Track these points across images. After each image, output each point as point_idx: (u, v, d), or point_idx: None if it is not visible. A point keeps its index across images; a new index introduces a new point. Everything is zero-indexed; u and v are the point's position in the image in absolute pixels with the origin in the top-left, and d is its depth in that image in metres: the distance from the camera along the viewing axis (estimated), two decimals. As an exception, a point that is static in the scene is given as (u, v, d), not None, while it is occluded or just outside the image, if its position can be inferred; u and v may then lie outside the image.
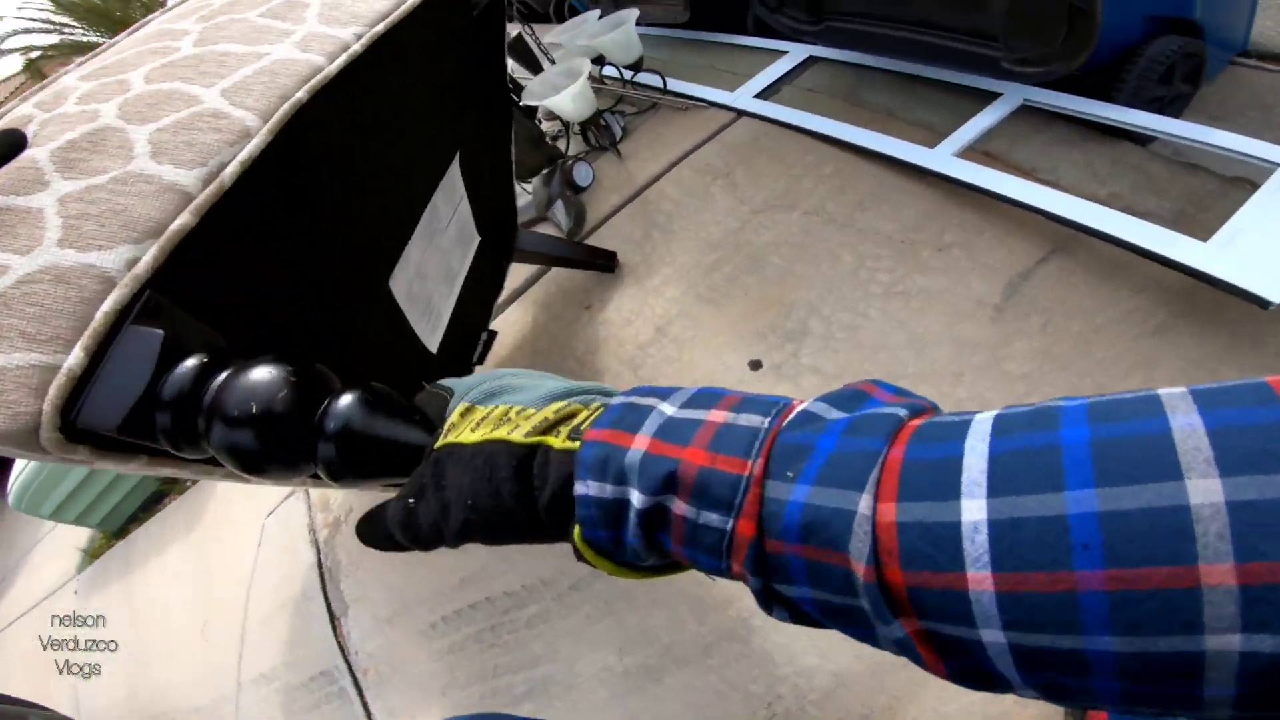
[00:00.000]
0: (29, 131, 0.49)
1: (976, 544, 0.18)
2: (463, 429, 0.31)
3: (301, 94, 0.57)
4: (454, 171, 0.97)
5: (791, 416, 0.25)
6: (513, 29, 1.72)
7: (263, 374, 0.36)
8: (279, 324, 0.64)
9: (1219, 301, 0.85)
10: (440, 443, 0.31)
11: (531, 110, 1.66)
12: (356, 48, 0.62)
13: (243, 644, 1.48)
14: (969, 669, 0.20)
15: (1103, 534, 0.17)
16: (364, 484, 0.38)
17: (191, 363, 0.38)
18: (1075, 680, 0.18)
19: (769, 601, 0.24)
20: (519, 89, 1.58)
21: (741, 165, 1.42)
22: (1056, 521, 0.17)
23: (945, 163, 1.12)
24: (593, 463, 0.26)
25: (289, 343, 0.66)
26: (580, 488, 0.26)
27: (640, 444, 0.26)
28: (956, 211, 1.12)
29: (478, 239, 1.14)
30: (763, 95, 1.48)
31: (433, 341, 1.01)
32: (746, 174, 1.39)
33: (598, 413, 0.29)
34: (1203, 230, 0.87)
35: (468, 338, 1.24)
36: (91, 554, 2.16)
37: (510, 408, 0.31)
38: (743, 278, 1.25)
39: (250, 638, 1.48)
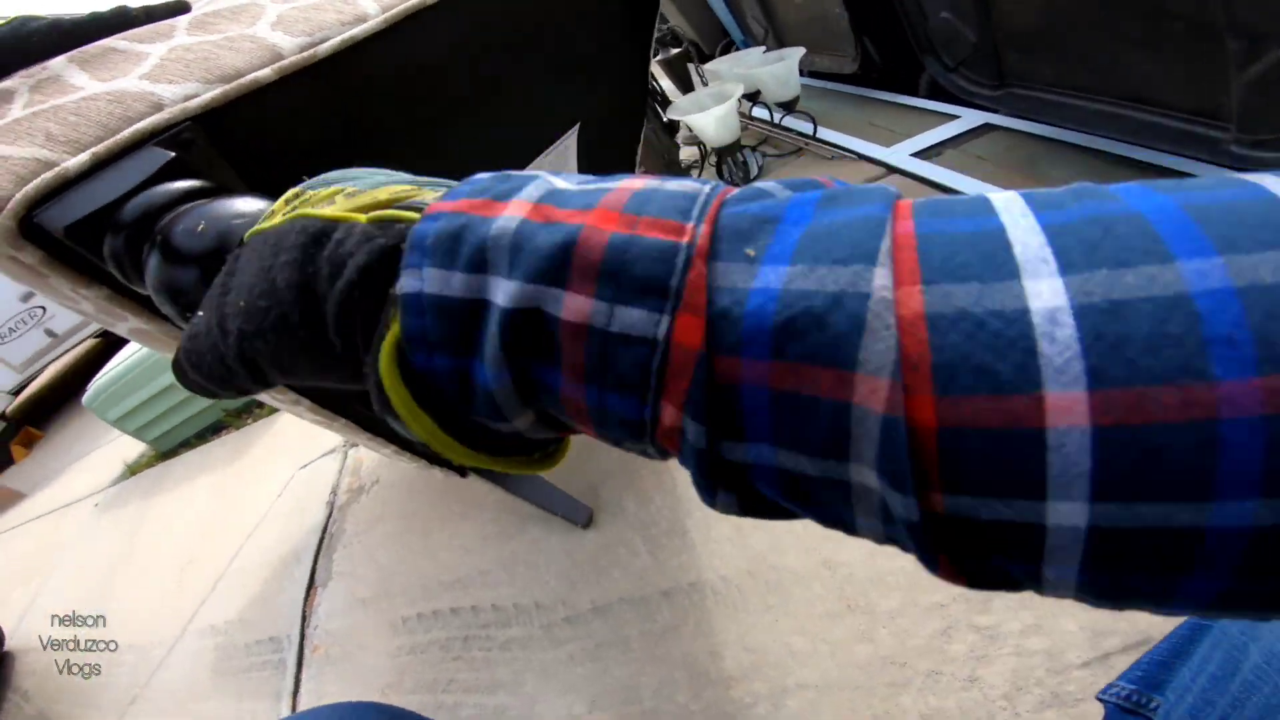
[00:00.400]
0: (195, 5, 0.56)
1: (1059, 343, 0.12)
2: (276, 213, 0.23)
3: None
4: (570, 142, 0.97)
5: (735, 192, 0.17)
6: (675, 49, 1.79)
7: (233, 204, 0.31)
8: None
9: None
10: (250, 231, 0.24)
11: (672, 130, 1.69)
12: None
13: (212, 591, 1.46)
14: (996, 572, 0.14)
15: (1250, 318, 0.11)
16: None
17: (175, 185, 0.35)
18: (1165, 581, 0.12)
19: (713, 476, 0.16)
20: (667, 103, 1.62)
21: (881, 219, 1.33)
22: (1178, 302, 0.12)
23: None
24: (436, 240, 0.17)
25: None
26: (409, 281, 0.17)
27: (516, 210, 0.17)
28: None
29: None
30: (921, 155, 1.40)
31: None
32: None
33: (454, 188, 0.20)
34: None
35: None
36: (132, 469, 2.28)
37: (343, 188, 0.22)
38: None
39: (222, 586, 1.46)
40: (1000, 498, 0.13)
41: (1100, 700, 0.38)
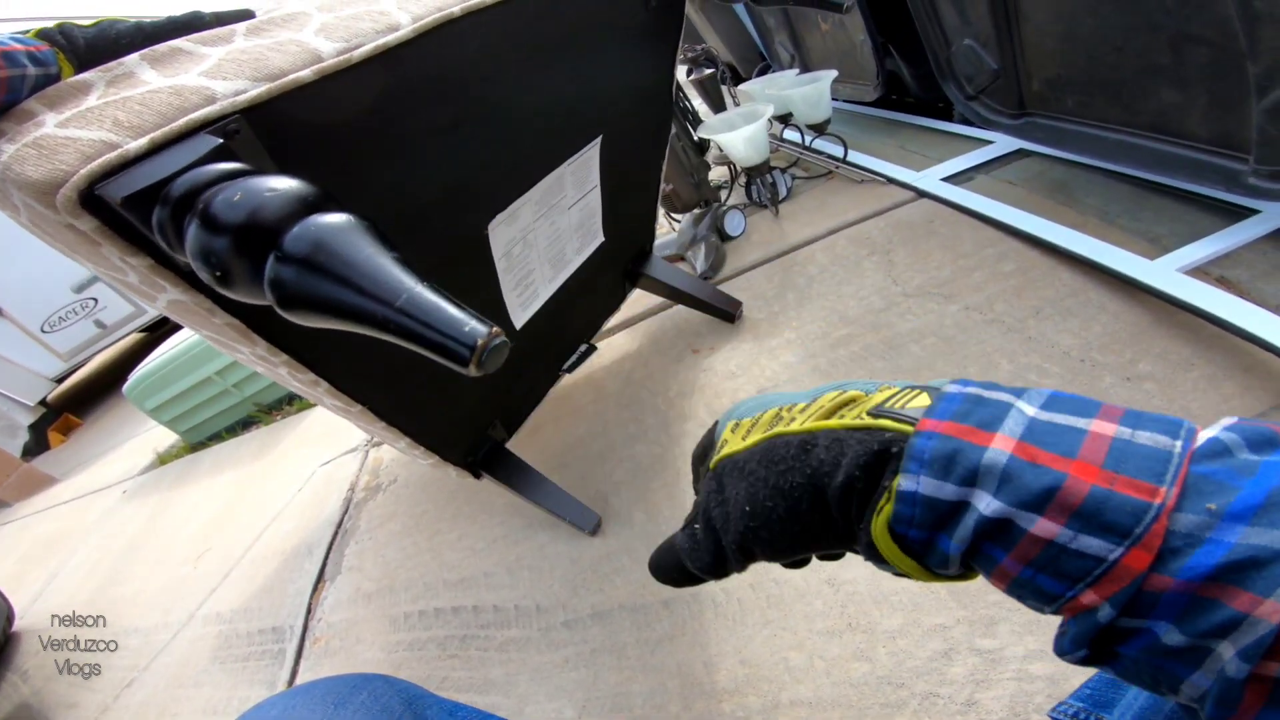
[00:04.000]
0: (258, 13, 0.63)
1: None
2: (734, 441, 0.30)
3: (455, 9, 0.66)
4: (591, 155, 1.00)
5: (1201, 444, 0.21)
6: (708, 70, 1.83)
7: (268, 180, 0.36)
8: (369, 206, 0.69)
9: None
10: (714, 459, 0.31)
11: (702, 148, 1.72)
12: None
13: (224, 580, 1.50)
14: None
15: None
16: (317, 319, 0.34)
17: (219, 166, 0.40)
18: None
19: (1087, 640, 0.21)
20: (698, 122, 1.65)
21: (905, 245, 1.33)
22: None
23: (1167, 279, 0.96)
24: (933, 456, 0.23)
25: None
26: (907, 482, 0.23)
27: (1003, 445, 0.22)
28: (1162, 339, 0.94)
29: (601, 239, 1.16)
30: (952, 179, 1.40)
31: (519, 316, 1.01)
32: (908, 255, 1.30)
33: (914, 397, 0.26)
34: None
35: (567, 341, 1.25)
36: (162, 459, 2.36)
37: (780, 408, 0.30)
38: (872, 360, 1.14)
39: (234, 575, 1.49)
40: None
41: (1050, 718, 0.40)
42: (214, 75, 0.51)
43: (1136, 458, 0.20)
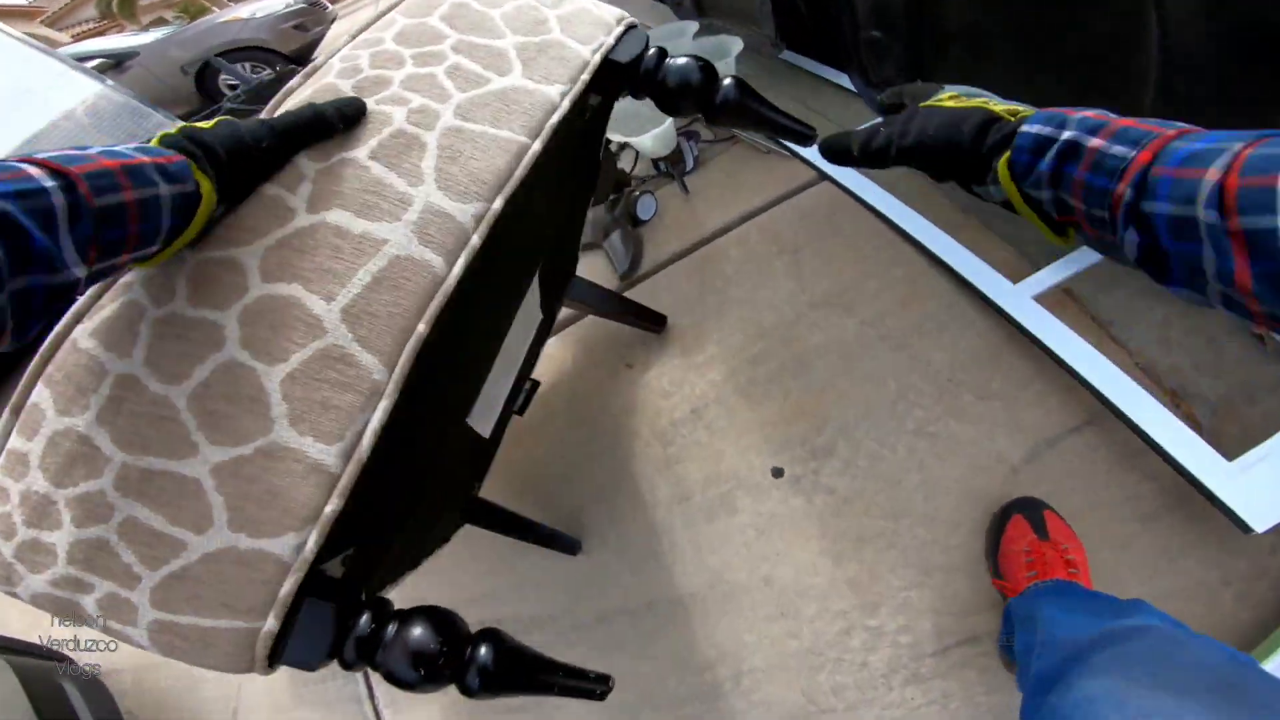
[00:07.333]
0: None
1: None
2: (946, 101, 0.50)
3: (422, 328, 0.53)
4: (533, 284, 0.98)
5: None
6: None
7: (418, 639, 0.50)
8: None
9: (1209, 506, 0.92)
10: (927, 103, 0.51)
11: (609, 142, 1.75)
12: (497, 206, 0.58)
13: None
14: (1272, 271, 0.30)
15: None
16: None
17: (363, 623, 0.52)
18: None
19: (1130, 220, 0.36)
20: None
21: (811, 244, 1.47)
22: None
23: (1018, 304, 1.15)
24: (1044, 117, 0.42)
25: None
26: (1028, 126, 0.42)
27: (1083, 112, 0.41)
28: (1011, 358, 1.17)
29: (540, 318, 1.15)
30: (849, 160, 1.53)
31: (486, 429, 1.02)
32: (814, 256, 1.45)
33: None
34: (1238, 425, 0.99)
35: (513, 393, 1.17)
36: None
37: (988, 100, 0.49)
38: (785, 379, 1.33)
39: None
40: (1260, 214, 0.29)
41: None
42: (251, 530, 0.48)
43: (1150, 123, 0.37)
